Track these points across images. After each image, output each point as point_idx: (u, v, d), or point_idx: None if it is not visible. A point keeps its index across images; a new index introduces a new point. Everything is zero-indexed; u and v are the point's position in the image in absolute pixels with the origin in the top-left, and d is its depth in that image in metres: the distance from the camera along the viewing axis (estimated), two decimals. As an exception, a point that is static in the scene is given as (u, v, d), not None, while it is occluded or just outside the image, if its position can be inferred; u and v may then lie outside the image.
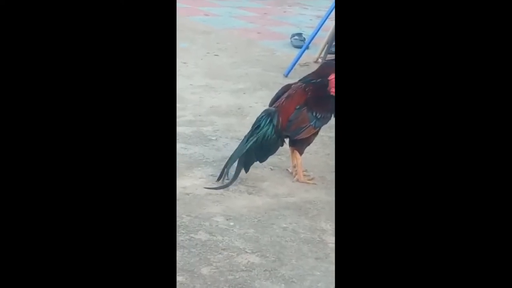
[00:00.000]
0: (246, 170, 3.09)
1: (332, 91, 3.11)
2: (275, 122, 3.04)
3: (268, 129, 3.04)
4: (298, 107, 3.08)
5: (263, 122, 3.05)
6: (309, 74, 3.24)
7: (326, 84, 3.12)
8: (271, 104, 3.19)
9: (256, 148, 3.04)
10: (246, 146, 3.03)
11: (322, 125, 3.16)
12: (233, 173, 3.07)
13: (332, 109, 3.13)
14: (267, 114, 3.08)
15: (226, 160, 3.11)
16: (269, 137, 3.04)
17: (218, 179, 3.07)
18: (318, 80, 3.13)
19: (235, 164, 3.07)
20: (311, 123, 3.09)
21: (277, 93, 3.23)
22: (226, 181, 3.06)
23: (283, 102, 3.11)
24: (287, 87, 3.20)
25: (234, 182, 3.07)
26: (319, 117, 3.09)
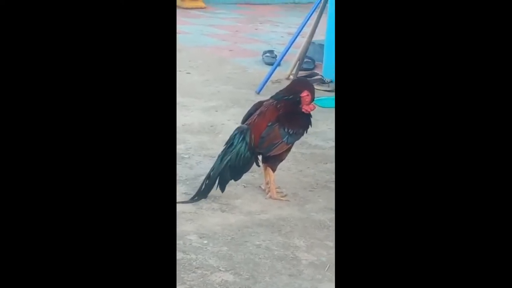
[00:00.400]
0: (222, 190, 3.08)
1: (304, 108, 3.13)
2: (247, 139, 3.04)
3: (241, 147, 3.04)
4: (270, 123, 3.09)
5: (236, 140, 3.05)
6: (280, 91, 3.26)
7: (298, 101, 3.14)
8: (243, 122, 3.20)
9: (231, 166, 3.04)
10: (221, 165, 3.03)
11: (294, 141, 3.17)
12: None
13: (304, 125, 3.15)
14: (239, 132, 3.08)
15: (201, 178, 3.10)
16: (243, 155, 3.04)
17: (194, 198, 3.06)
18: (290, 96, 3.15)
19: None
20: (284, 139, 3.10)
21: (249, 111, 3.23)
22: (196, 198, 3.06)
23: (255, 120, 3.12)
24: (259, 104, 3.21)
25: (207, 200, 3.06)
26: (291, 133, 3.10)
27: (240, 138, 3.05)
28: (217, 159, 3.09)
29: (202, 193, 3.07)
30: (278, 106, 3.13)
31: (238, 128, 3.12)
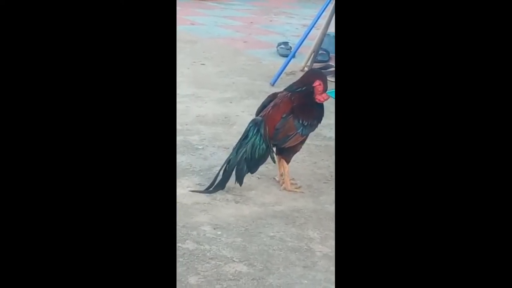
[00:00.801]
0: (240, 183, 3.08)
1: (317, 98, 3.12)
2: (262, 131, 3.04)
3: (256, 139, 3.04)
4: (284, 115, 3.09)
5: (251, 132, 3.05)
6: (294, 83, 3.25)
7: (311, 92, 3.13)
8: (257, 114, 3.19)
9: (246, 159, 3.04)
10: (237, 157, 3.03)
11: (309, 133, 3.16)
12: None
13: (318, 116, 3.15)
14: (254, 124, 3.08)
15: (215, 169, 3.10)
16: (258, 147, 3.04)
17: (208, 189, 3.07)
18: (303, 88, 3.14)
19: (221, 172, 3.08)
20: (298, 131, 3.09)
21: (263, 103, 3.23)
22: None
23: (269, 111, 3.12)
24: (273, 96, 3.21)
25: (221, 191, 3.07)
26: (305, 124, 3.10)
27: (255, 130, 3.05)
28: (232, 152, 3.09)
29: (218, 185, 3.07)
30: (292, 98, 3.13)
31: (252, 121, 3.12)
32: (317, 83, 3.12)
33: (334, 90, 4.93)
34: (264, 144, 3.04)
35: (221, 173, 3.06)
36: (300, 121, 3.09)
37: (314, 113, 3.14)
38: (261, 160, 3.07)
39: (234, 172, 3.06)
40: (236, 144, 3.10)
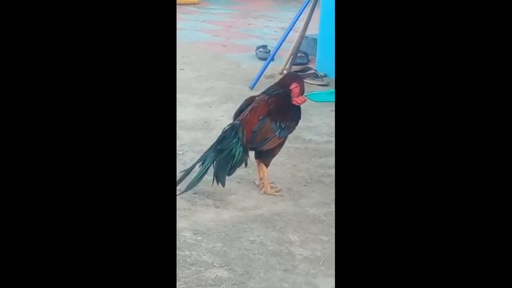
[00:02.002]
0: (223, 184, 3.08)
1: (294, 100, 3.14)
2: (240, 135, 3.04)
3: (232, 142, 3.04)
4: (261, 117, 3.09)
5: (228, 135, 3.05)
6: (271, 86, 3.26)
7: (288, 94, 3.14)
8: (235, 118, 3.20)
9: (223, 162, 3.04)
10: (214, 158, 3.03)
11: (286, 135, 3.17)
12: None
13: (296, 118, 3.16)
14: (232, 127, 3.08)
15: (195, 174, 3.11)
16: (235, 150, 3.04)
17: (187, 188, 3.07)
18: (281, 90, 3.15)
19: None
20: (276, 133, 3.10)
21: (240, 107, 3.23)
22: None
23: (247, 115, 3.12)
24: (251, 100, 3.22)
25: (201, 196, 3.07)
26: (283, 127, 3.11)
27: (232, 134, 3.05)
28: (208, 152, 3.09)
29: (193, 183, 3.06)
30: (269, 101, 3.13)
31: (230, 124, 3.12)
32: (293, 85, 3.13)
33: (315, 92, 4.95)
34: (241, 148, 3.04)
35: (196, 170, 3.06)
36: (278, 124, 3.09)
37: (291, 115, 3.15)
38: (237, 163, 3.08)
39: (214, 174, 3.05)
40: (212, 145, 3.10)
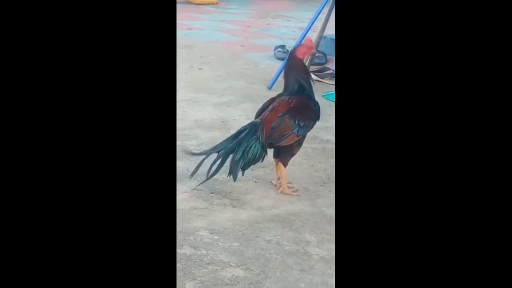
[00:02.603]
0: (235, 178, 3.09)
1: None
2: (259, 132, 3.05)
3: (251, 138, 3.05)
4: (280, 114, 3.11)
5: (247, 131, 3.07)
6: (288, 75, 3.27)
7: (310, 95, 3.16)
8: (256, 117, 3.21)
9: (240, 156, 3.06)
10: (232, 153, 3.05)
11: (304, 133, 3.18)
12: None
13: (314, 118, 3.18)
14: (252, 124, 3.10)
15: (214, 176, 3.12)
16: (254, 147, 3.06)
17: (192, 175, 3.10)
18: (304, 92, 3.17)
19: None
20: (294, 131, 3.11)
21: (262, 106, 3.24)
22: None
23: (267, 115, 3.13)
24: (272, 100, 3.23)
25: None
26: (301, 125, 3.12)
27: (252, 131, 3.06)
28: (224, 143, 3.10)
29: (212, 174, 3.08)
30: (289, 101, 3.14)
31: (250, 123, 3.13)
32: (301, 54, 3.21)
33: (333, 92, 4.94)
34: (259, 145, 3.05)
35: (212, 163, 3.08)
36: (296, 121, 3.11)
37: (311, 114, 3.17)
38: (254, 160, 3.09)
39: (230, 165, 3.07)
40: (229, 138, 3.12)
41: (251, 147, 3.05)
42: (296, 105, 3.14)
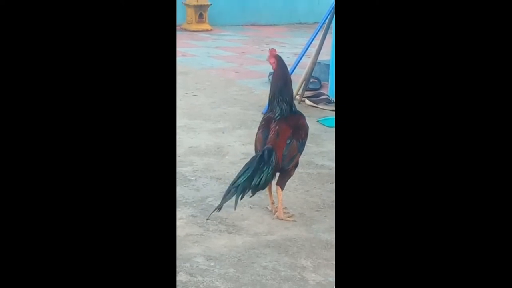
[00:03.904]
0: (235, 205, 3.06)
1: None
2: (272, 159, 3.08)
3: (266, 166, 3.06)
4: (288, 141, 3.14)
5: (265, 161, 3.06)
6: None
7: (297, 112, 3.26)
8: (260, 142, 3.21)
9: (253, 184, 3.04)
10: (248, 182, 3.04)
11: (303, 150, 3.24)
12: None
13: (307, 133, 3.28)
14: (268, 152, 3.10)
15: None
16: (267, 174, 3.07)
17: (219, 208, 3.06)
18: (293, 111, 3.24)
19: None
20: (299, 152, 3.18)
21: (263, 130, 3.24)
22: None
23: (275, 140, 3.14)
24: (267, 122, 3.22)
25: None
26: (303, 143, 3.20)
27: (266, 159, 3.07)
28: (242, 174, 3.07)
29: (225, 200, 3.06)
30: (290, 123, 3.18)
31: (266, 148, 3.13)
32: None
33: (327, 118, 4.97)
34: (272, 171, 3.06)
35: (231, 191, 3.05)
36: (300, 141, 3.18)
37: (306, 130, 3.26)
38: (264, 186, 3.08)
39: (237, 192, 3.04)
40: (245, 168, 3.09)
41: (264, 174, 3.06)
42: (295, 125, 3.20)
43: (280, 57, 3.32)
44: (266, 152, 3.10)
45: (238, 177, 3.04)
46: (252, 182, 3.03)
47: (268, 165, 3.06)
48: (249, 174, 3.05)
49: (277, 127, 3.17)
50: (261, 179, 3.04)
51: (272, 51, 3.34)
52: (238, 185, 3.02)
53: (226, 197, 3.03)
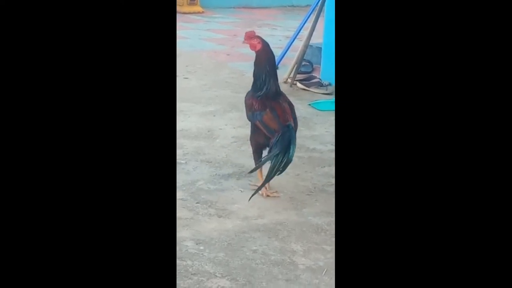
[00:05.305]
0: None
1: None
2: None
3: (294, 141, 3.08)
4: (294, 117, 3.22)
5: (294, 135, 3.11)
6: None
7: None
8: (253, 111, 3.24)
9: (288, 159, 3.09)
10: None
11: None
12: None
13: None
14: (291, 126, 3.12)
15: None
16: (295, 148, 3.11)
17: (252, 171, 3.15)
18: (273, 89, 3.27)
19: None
20: None
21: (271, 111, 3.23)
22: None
23: (289, 117, 3.17)
24: (266, 99, 3.22)
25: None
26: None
27: (293, 134, 3.10)
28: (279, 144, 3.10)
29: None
30: (285, 99, 3.25)
31: (289, 126, 3.13)
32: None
33: (319, 101, 4.94)
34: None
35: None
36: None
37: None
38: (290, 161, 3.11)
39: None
40: (276, 145, 3.10)
41: (292, 148, 3.08)
42: (289, 102, 3.27)
43: (260, 37, 3.34)
44: (291, 127, 3.12)
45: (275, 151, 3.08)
46: (288, 155, 3.06)
47: (295, 139, 3.09)
48: (284, 148, 3.06)
49: (283, 104, 3.20)
50: (290, 153, 3.07)
51: (249, 33, 3.34)
52: (277, 154, 3.05)
53: (262, 161, 3.13)
